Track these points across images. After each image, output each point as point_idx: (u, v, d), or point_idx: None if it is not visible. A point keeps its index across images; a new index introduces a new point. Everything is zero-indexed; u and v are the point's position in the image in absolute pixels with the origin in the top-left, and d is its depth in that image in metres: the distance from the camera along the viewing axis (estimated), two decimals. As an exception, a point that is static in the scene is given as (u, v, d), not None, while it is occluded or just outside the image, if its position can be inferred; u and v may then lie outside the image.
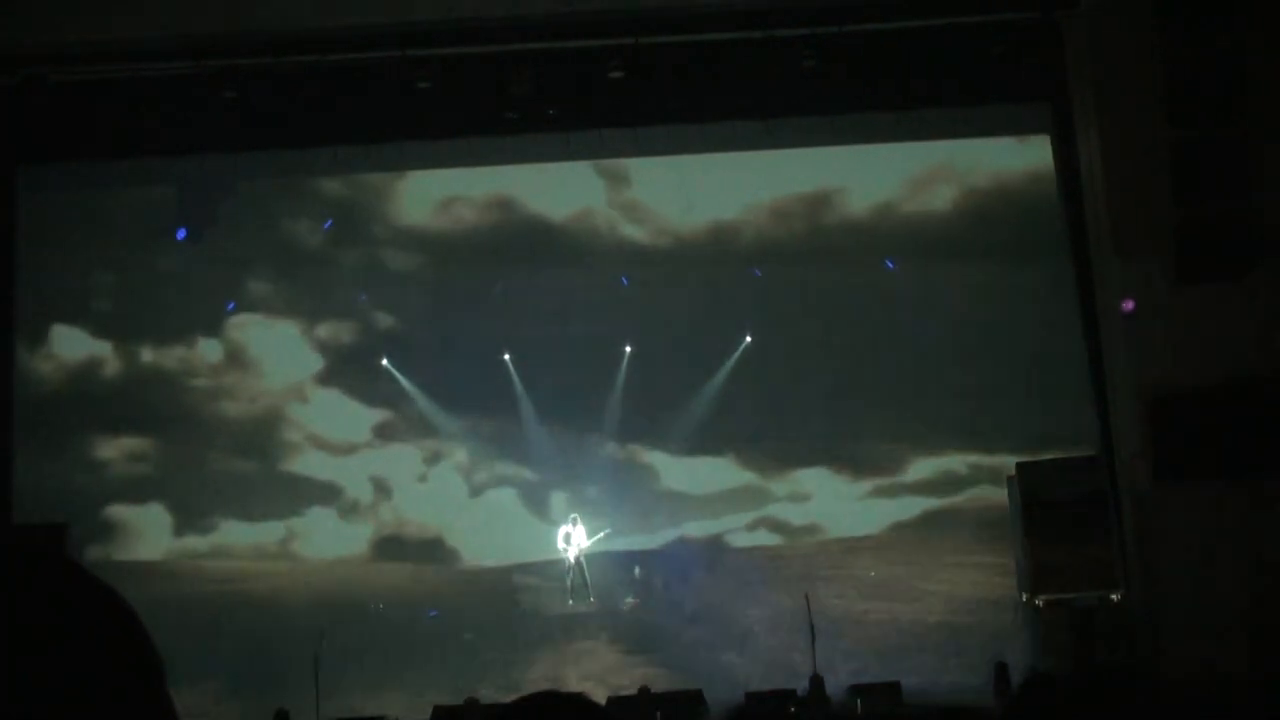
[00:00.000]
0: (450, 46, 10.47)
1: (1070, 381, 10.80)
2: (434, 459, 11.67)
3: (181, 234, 11.75)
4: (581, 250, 11.77)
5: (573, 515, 11.30)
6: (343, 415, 11.67)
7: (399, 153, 11.25)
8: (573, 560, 11.27)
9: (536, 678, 10.88)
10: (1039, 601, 9.91)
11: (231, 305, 11.72)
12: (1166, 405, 9.66)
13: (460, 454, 11.66)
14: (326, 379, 11.71)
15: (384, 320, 11.72)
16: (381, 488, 11.63)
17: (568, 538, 11.27)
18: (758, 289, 11.69)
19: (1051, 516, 9.93)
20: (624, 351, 11.58)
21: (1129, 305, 10.00)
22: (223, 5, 10.03)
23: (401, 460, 11.69)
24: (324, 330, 11.75)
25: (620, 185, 11.91)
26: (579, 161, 11.81)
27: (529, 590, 11.42)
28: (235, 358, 11.70)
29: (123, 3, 9.89)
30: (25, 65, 10.32)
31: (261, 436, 11.61)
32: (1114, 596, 9.86)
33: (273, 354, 11.73)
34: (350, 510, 11.55)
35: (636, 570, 11.36)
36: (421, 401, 11.51)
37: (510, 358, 11.58)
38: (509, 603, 11.41)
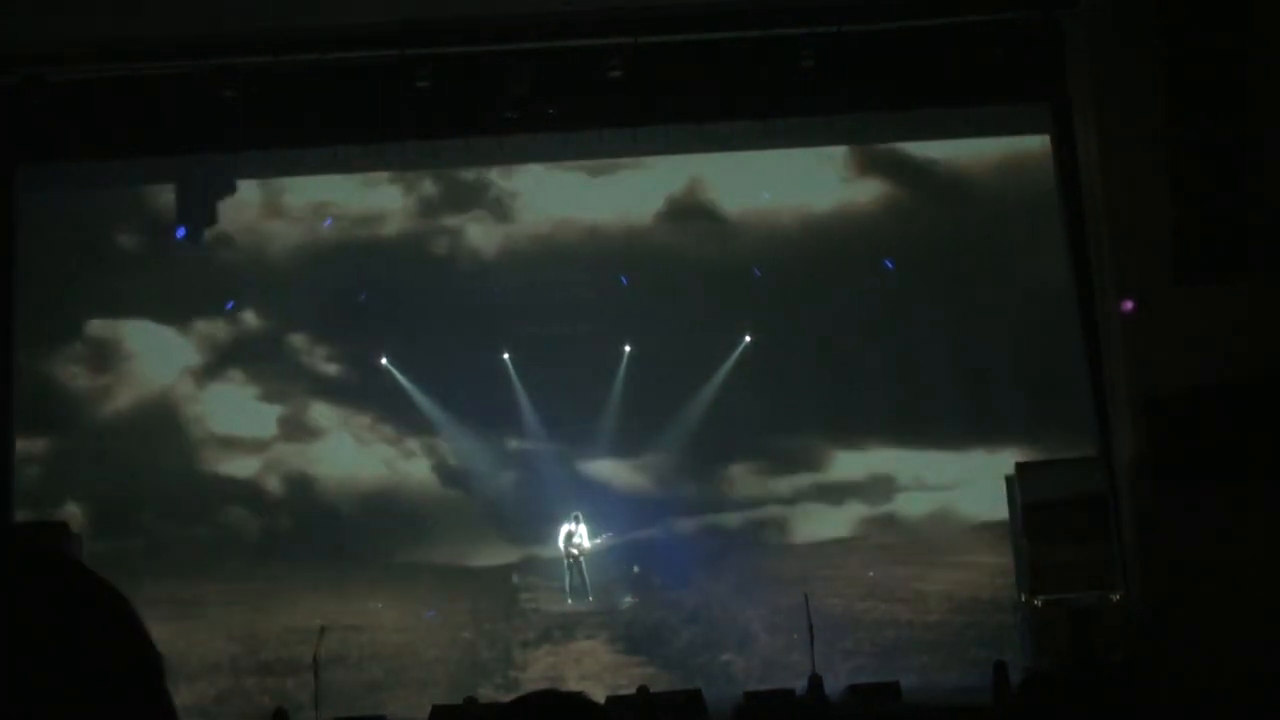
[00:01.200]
0: (450, 46, 10.47)
1: (1069, 381, 10.80)
2: (433, 458, 11.66)
3: (181, 233, 11.75)
4: (581, 249, 11.76)
5: (574, 513, 11.29)
6: (342, 413, 11.66)
7: (398, 151, 11.23)
8: (572, 559, 11.27)
9: (535, 677, 10.89)
10: (1038, 602, 9.91)
11: (230, 304, 11.71)
12: (1165, 406, 9.66)
13: (459, 453, 11.64)
14: (327, 379, 11.70)
15: (384, 319, 11.69)
16: (379, 488, 11.61)
17: (569, 536, 11.26)
18: (757, 289, 11.68)
19: (1050, 517, 9.94)
20: (623, 351, 11.58)
21: (1128, 305, 10.01)
22: (222, 4, 10.02)
23: (400, 459, 11.68)
24: (324, 330, 11.73)
25: (619, 184, 11.90)
26: (578, 160, 11.81)
27: (528, 589, 11.41)
28: (233, 358, 11.68)
29: (122, 2, 9.88)
30: (24, 65, 10.32)
31: (262, 433, 11.60)
32: (1113, 597, 9.87)
33: (272, 355, 11.71)
34: (346, 510, 11.53)
35: (635, 569, 11.36)
36: (421, 400, 11.50)
37: (510, 357, 11.58)
38: (508, 602, 11.40)
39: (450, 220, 11.92)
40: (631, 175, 11.89)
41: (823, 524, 11.42)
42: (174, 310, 11.63)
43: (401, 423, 11.62)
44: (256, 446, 11.56)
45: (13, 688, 0.87)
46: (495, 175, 11.87)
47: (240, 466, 11.52)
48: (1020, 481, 10.16)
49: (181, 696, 0.98)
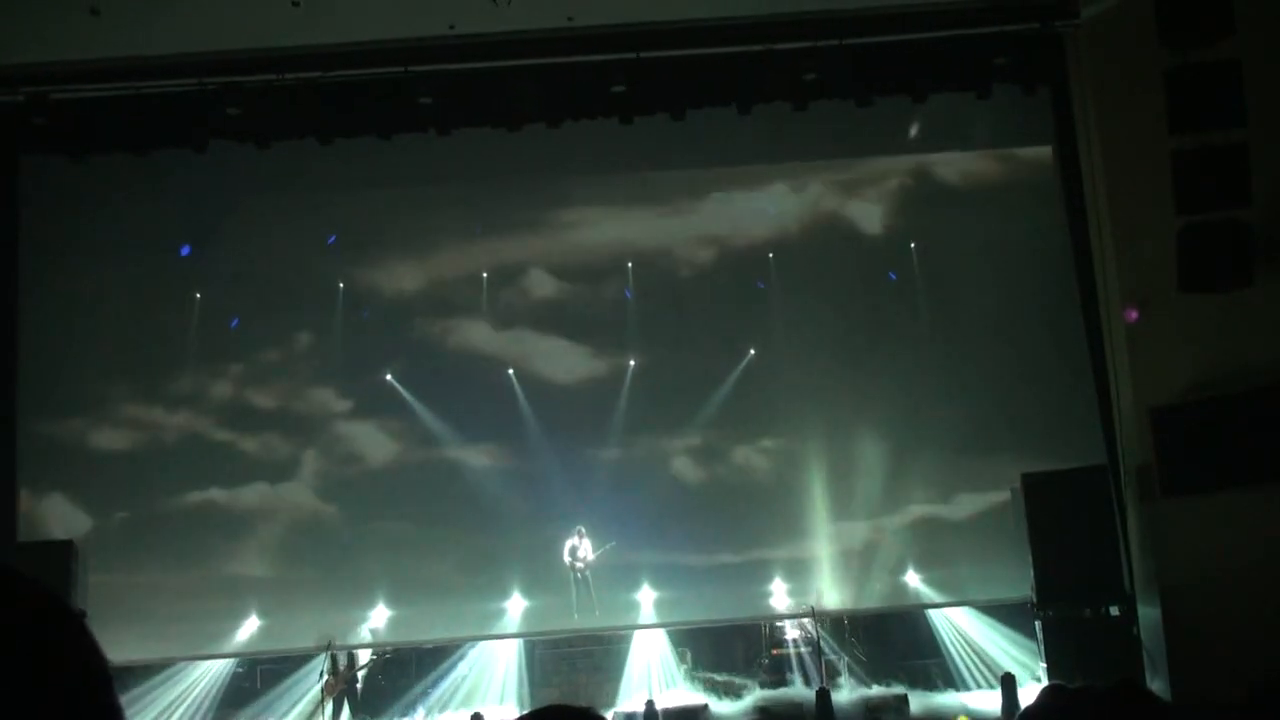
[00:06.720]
0: (453, 63, 10.50)
1: (1074, 391, 10.78)
2: (436, 474, 11.62)
3: (185, 250, 11.77)
4: (585, 263, 11.77)
5: (578, 528, 11.27)
6: (345, 429, 11.65)
7: (401, 167, 11.26)
8: (578, 573, 11.24)
9: (543, 692, 10.86)
10: (1045, 612, 9.88)
11: (235, 321, 11.72)
12: (1169, 415, 9.65)
13: (464, 467, 11.60)
14: (330, 395, 11.70)
15: (387, 336, 11.69)
16: (382, 503, 11.58)
17: (573, 550, 11.24)
18: (761, 302, 11.68)
19: (1056, 527, 9.91)
20: (628, 365, 11.57)
21: (1132, 315, 10.00)
22: (226, 23, 10.06)
23: (404, 476, 11.64)
24: (327, 343, 11.73)
25: (623, 198, 11.91)
26: (582, 175, 11.83)
27: (534, 604, 11.36)
28: (237, 375, 11.69)
29: (128, 22, 9.92)
30: (29, 84, 10.37)
31: (261, 455, 11.59)
32: (1119, 607, 9.83)
33: (275, 371, 11.71)
34: (349, 524, 11.51)
35: (642, 582, 11.32)
36: (424, 415, 11.50)
37: (514, 372, 11.58)
38: (514, 618, 11.35)
39: (452, 234, 11.92)
40: (634, 189, 11.90)
41: (828, 536, 11.37)
42: (177, 327, 11.63)
43: (405, 438, 11.60)
44: (258, 460, 11.55)
45: None
46: (498, 190, 11.86)
47: (242, 481, 11.50)
48: (1025, 492, 10.13)
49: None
